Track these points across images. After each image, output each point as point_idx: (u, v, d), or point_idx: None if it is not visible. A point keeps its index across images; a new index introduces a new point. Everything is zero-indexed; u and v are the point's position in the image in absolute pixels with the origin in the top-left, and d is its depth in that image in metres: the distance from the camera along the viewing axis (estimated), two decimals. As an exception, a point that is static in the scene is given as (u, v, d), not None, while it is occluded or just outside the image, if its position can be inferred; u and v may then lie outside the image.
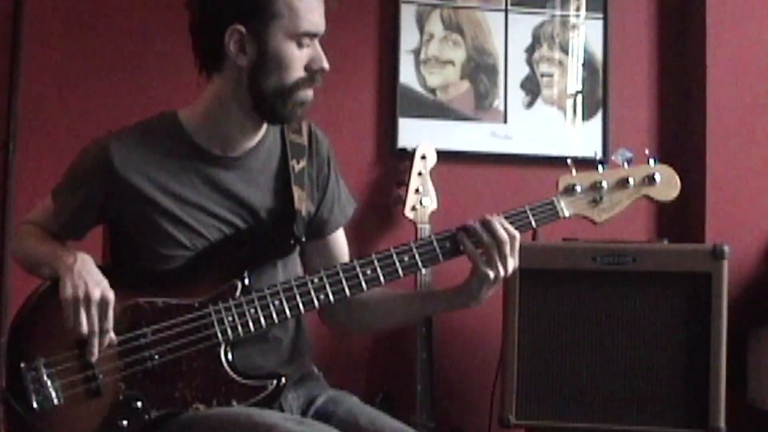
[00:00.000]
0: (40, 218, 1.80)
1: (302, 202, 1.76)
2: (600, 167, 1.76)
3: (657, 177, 1.75)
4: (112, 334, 1.59)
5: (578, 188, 1.73)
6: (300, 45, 1.65)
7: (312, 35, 1.66)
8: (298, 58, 1.66)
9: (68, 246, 1.74)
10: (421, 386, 2.71)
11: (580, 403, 2.48)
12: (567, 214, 1.73)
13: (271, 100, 1.67)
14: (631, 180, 1.74)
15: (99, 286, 1.59)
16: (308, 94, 1.69)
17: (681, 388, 2.46)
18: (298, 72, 1.66)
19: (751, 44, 3.07)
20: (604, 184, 1.74)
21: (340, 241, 1.87)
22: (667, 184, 1.76)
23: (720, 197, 3.00)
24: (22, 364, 1.59)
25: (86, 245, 1.78)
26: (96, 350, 1.57)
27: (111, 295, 1.59)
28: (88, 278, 1.59)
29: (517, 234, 1.67)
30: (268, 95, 1.67)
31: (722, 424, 2.42)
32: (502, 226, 1.65)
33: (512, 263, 1.67)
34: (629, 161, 1.76)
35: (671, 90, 3.20)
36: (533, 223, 1.71)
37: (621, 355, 2.48)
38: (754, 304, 2.91)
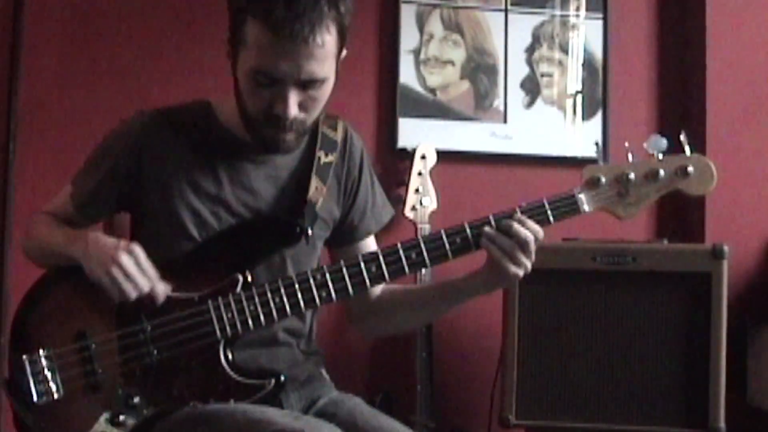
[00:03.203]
0: (53, 207, 1.77)
1: (318, 194, 1.70)
2: (629, 156, 1.62)
3: (690, 169, 1.60)
4: (162, 284, 1.57)
5: (603, 180, 1.60)
6: (258, 82, 1.54)
7: (269, 76, 1.52)
8: (258, 95, 1.55)
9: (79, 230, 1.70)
10: (421, 386, 2.71)
11: (580, 403, 2.48)
12: (588, 209, 1.61)
13: (245, 122, 1.62)
14: (662, 172, 1.60)
15: (119, 248, 1.55)
16: (279, 135, 1.58)
17: (681, 388, 2.46)
18: (258, 108, 1.57)
19: (751, 44, 3.07)
20: (632, 176, 1.60)
21: (369, 248, 1.82)
22: (701, 177, 1.61)
23: (720, 197, 2.99)
24: (24, 357, 1.58)
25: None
26: (160, 296, 1.57)
27: (135, 247, 1.55)
28: (106, 248, 1.55)
29: (539, 230, 1.59)
30: (242, 115, 1.62)
31: (722, 424, 2.42)
32: (523, 226, 1.58)
33: (532, 258, 1.61)
34: (663, 152, 1.61)
35: (671, 90, 3.20)
36: (551, 218, 1.60)
37: (621, 355, 2.48)
38: (754, 304, 2.91)
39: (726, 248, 2.46)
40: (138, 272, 1.55)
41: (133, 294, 1.54)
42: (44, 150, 2.85)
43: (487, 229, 1.59)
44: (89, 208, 1.73)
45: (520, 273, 1.60)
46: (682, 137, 1.63)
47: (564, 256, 2.53)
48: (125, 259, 1.54)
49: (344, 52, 1.62)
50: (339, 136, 1.76)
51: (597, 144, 1.69)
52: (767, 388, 2.75)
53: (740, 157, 3.03)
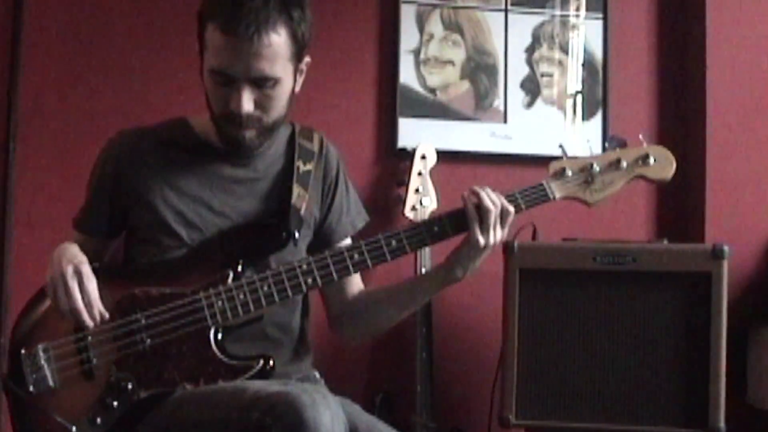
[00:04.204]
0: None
1: (302, 200, 1.78)
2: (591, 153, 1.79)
3: (651, 157, 1.76)
4: (100, 307, 1.62)
5: (569, 172, 1.75)
6: (216, 81, 1.67)
7: (224, 75, 1.65)
8: (217, 93, 1.68)
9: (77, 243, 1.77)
10: (421, 386, 2.71)
11: (580, 403, 2.48)
12: (557, 196, 1.74)
13: (213, 122, 1.74)
14: (623, 161, 1.75)
15: (72, 262, 1.63)
16: (240, 132, 1.70)
17: (681, 388, 2.46)
18: (219, 107, 1.69)
19: (751, 44, 3.07)
20: (596, 166, 1.75)
21: None
22: (662, 163, 1.77)
23: (720, 197, 3.00)
24: (23, 351, 1.64)
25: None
26: (88, 321, 1.61)
27: (84, 268, 1.62)
28: (63, 258, 1.64)
29: (508, 206, 1.69)
30: (211, 117, 1.74)
31: (722, 424, 2.42)
32: (496, 197, 1.70)
33: (501, 233, 1.70)
34: (621, 146, 1.77)
35: (671, 90, 3.20)
36: (522, 205, 1.72)
37: (621, 355, 2.48)
38: (754, 304, 2.91)
39: (726, 248, 2.46)
40: (76, 288, 1.60)
41: (64, 304, 1.60)
42: (44, 150, 2.84)
43: (464, 193, 1.71)
44: (86, 223, 1.83)
45: (482, 239, 1.67)
46: (641, 137, 1.80)
47: (564, 256, 2.53)
48: (69, 271, 1.61)
49: (306, 59, 1.74)
50: (315, 146, 1.85)
51: (561, 146, 1.79)
52: (767, 388, 2.75)
53: (740, 157, 3.03)
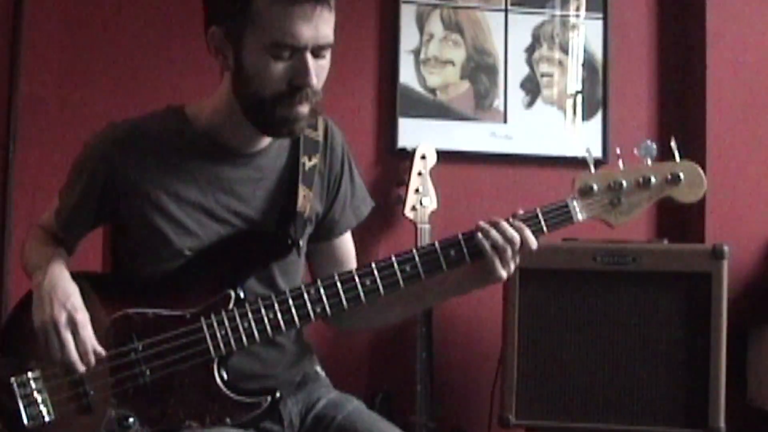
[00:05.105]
0: (46, 220, 1.76)
1: (307, 202, 1.69)
2: (620, 163, 1.62)
3: (682, 176, 1.62)
4: (98, 349, 1.53)
5: (595, 188, 1.61)
6: (276, 57, 1.52)
7: (289, 47, 1.52)
8: (275, 70, 1.53)
9: (61, 253, 1.67)
10: (421, 386, 2.71)
11: (580, 403, 2.48)
12: (581, 218, 1.61)
13: (253, 111, 1.58)
14: (653, 179, 1.61)
15: (65, 308, 1.52)
16: (295, 110, 1.55)
17: (681, 388, 2.46)
18: (276, 85, 1.54)
19: (751, 44, 3.07)
20: (624, 183, 1.61)
21: (347, 243, 1.82)
22: (692, 184, 1.63)
23: (720, 197, 3.00)
24: (12, 379, 1.54)
25: (86, 250, 1.77)
26: (81, 370, 1.52)
27: (79, 316, 1.52)
28: (55, 299, 1.53)
29: (531, 243, 1.59)
30: (249, 105, 1.58)
31: (722, 424, 2.42)
32: (512, 227, 1.59)
33: (518, 260, 1.62)
34: (652, 157, 1.62)
35: (671, 90, 3.20)
36: (545, 228, 1.61)
37: (621, 355, 2.48)
38: (754, 304, 2.91)
39: (726, 248, 2.46)
40: (69, 339, 1.51)
41: (57, 355, 1.51)
42: (44, 150, 2.84)
43: (482, 223, 1.60)
44: (71, 226, 1.70)
45: (504, 274, 1.60)
46: (673, 144, 1.64)
47: (564, 256, 2.53)
48: (62, 321, 1.51)
49: None
50: (320, 135, 1.74)
51: (588, 151, 1.67)
52: (767, 388, 2.75)
53: (740, 157, 3.03)
